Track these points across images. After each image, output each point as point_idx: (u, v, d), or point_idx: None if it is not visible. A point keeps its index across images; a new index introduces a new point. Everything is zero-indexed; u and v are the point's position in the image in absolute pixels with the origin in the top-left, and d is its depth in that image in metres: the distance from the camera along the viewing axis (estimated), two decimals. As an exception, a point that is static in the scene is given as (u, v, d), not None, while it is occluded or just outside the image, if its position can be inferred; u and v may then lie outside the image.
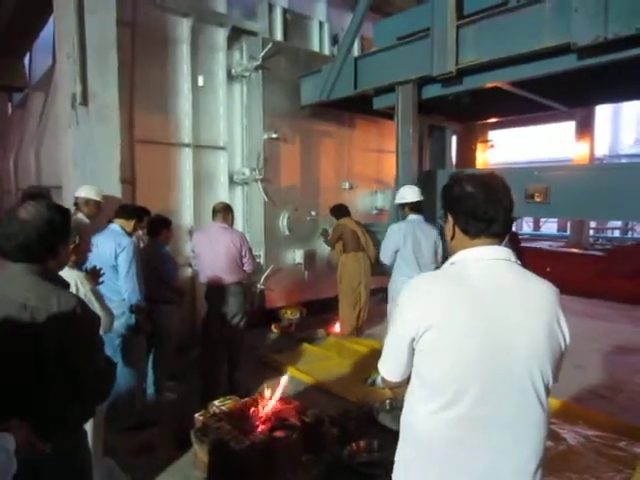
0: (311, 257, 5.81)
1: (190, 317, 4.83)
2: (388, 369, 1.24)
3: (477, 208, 1.16)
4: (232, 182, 5.36)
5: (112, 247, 3.03)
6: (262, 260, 5.37)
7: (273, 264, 5.45)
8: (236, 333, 3.73)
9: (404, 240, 3.72)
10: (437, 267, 3.78)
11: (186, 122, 4.92)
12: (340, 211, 5.20)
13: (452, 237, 1.23)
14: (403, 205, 3.87)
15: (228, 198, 5.19)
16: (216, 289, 3.64)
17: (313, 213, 5.78)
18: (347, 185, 6.22)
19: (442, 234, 3.82)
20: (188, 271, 4.89)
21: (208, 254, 3.68)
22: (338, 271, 5.12)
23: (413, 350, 1.18)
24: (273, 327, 5.47)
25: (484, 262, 1.16)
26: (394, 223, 3.93)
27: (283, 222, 5.55)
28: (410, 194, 3.86)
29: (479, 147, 7.84)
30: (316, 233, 5.80)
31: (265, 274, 5.38)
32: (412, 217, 3.84)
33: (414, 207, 3.84)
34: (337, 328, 5.33)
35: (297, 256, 5.67)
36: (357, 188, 6.28)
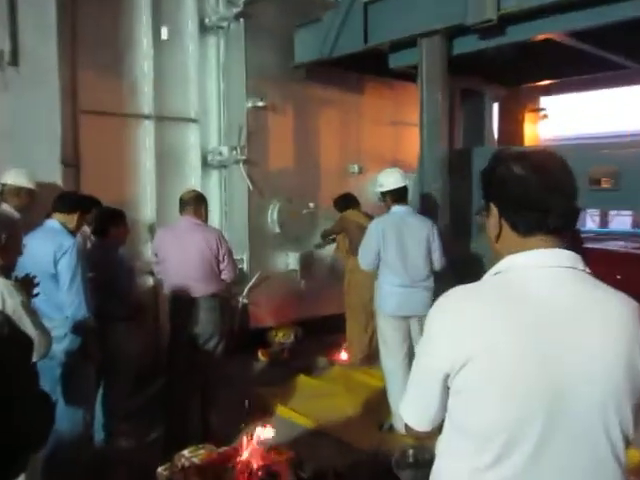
0: (309, 262, 5.88)
1: (152, 340, 4.88)
2: (413, 415, 1.24)
3: (529, 196, 1.13)
4: (206, 165, 5.44)
5: (51, 250, 3.00)
6: (245, 266, 5.45)
7: (260, 271, 5.53)
8: (211, 361, 3.78)
9: (384, 240, 3.78)
10: (433, 272, 3.88)
11: (145, 87, 4.98)
12: (346, 202, 5.29)
13: (497, 236, 1.21)
14: (384, 195, 3.95)
15: (201, 185, 5.23)
16: (185, 304, 3.70)
17: (311, 205, 5.84)
18: (355, 168, 6.30)
19: (440, 232, 3.95)
20: (149, 280, 4.95)
21: (175, 258, 3.74)
22: (345, 280, 5.21)
23: (447, 390, 1.17)
24: (260, 353, 5.53)
25: (541, 271, 1.12)
26: (376, 218, 4.00)
27: (273, 217, 5.60)
28: (390, 179, 3.91)
29: (528, 118, 7.67)
30: (315, 231, 5.84)
31: (249, 284, 5.45)
32: (396, 209, 3.90)
33: (397, 196, 3.90)
34: (344, 355, 5.39)
35: (291, 261, 5.74)
36: (368, 172, 6.30)
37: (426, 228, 3.88)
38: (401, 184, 3.91)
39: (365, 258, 3.92)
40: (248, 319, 5.47)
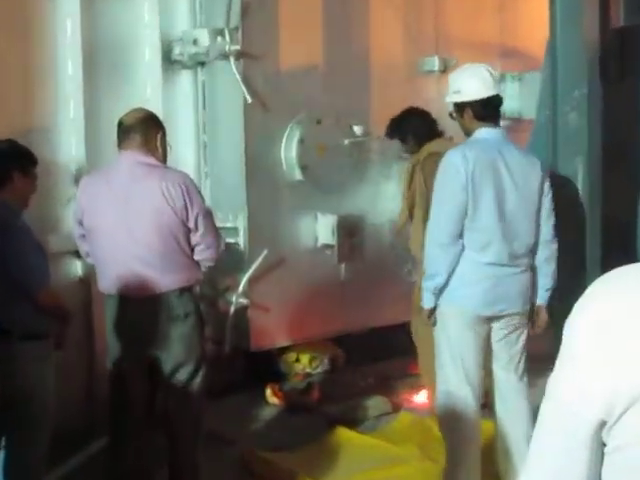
0: (354, 232, 5.84)
1: (83, 370, 4.93)
2: None
3: None
4: (170, 62, 5.50)
5: None
6: (241, 240, 5.51)
7: (267, 249, 5.50)
8: (184, 406, 3.88)
9: (473, 188, 3.87)
10: (540, 251, 4.06)
11: None
12: (419, 127, 5.24)
13: None
14: (460, 108, 4.08)
15: (162, 99, 5.28)
16: (135, 307, 3.79)
17: (357, 130, 5.79)
18: (434, 64, 6.25)
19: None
20: (75, 266, 4.97)
21: (112, 227, 3.80)
22: (416, 275, 5.17)
23: (598, 447, 1.20)
24: (269, 392, 5.56)
25: None
26: (453, 150, 4.12)
27: (289, 152, 5.58)
28: (471, 82, 4.05)
29: None
30: (367, 178, 5.92)
31: (249, 273, 5.44)
32: (483, 134, 4.02)
33: (484, 112, 4.02)
34: (419, 395, 5.43)
35: (322, 230, 5.76)
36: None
37: (536, 170, 4.02)
38: (491, 91, 4.00)
39: (443, 227, 3.95)
40: (248, 333, 5.47)
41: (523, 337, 4.05)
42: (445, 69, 6.27)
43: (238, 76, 5.31)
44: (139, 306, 3.77)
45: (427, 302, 4.04)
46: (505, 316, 3.99)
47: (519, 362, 4.06)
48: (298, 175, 5.62)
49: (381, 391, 5.51)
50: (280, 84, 5.56)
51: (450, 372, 3.99)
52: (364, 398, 5.40)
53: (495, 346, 4.05)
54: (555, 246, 4.09)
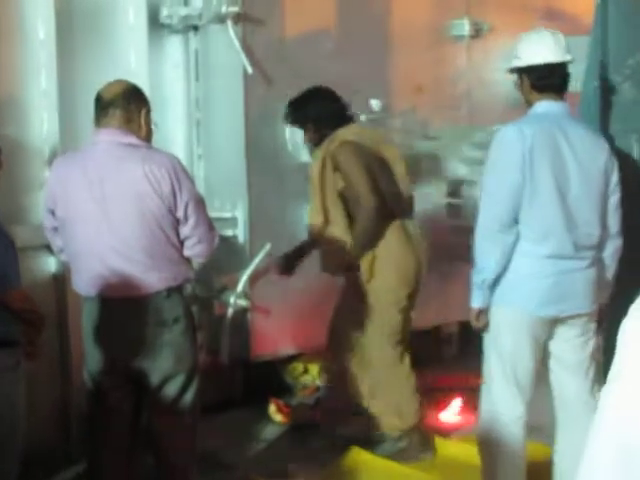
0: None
1: (58, 383, 4.91)
2: None
3: None
4: (158, 26, 5.42)
5: None
6: (241, 232, 5.48)
7: (270, 242, 5.49)
8: (175, 424, 3.91)
9: (531, 169, 3.87)
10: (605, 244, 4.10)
11: None
12: (322, 112, 5.17)
13: None
14: (519, 76, 4.09)
15: (146, 69, 5.25)
16: (117, 311, 3.79)
17: (375, 105, 5.74)
18: (465, 28, 6.26)
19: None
20: (47, 263, 4.92)
21: (90, 219, 3.79)
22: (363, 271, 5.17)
23: None
24: (272, 409, 5.56)
25: None
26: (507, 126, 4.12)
27: (296, 131, 5.50)
28: (532, 48, 4.05)
29: None
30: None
31: (249, 270, 5.43)
32: (544, 107, 4.02)
33: (543, 81, 4.02)
34: (451, 410, 5.63)
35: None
36: (494, 33, 6.41)
37: (603, 151, 4.01)
38: (552, 58, 3.98)
39: (494, 212, 3.92)
40: (248, 340, 5.45)
41: (591, 343, 4.01)
42: (476, 34, 6.33)
43: (237, 43, 5.21)
44: (120, 309, 3.75)
45: (475, 300, 4.01)
46: (569, 318, 3.95)
47: (588, 370, 4.01)
48: (305, 156, 5.45)
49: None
50: (286, 52, 5.49)
51: (499, 388, 3.96)
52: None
53: (556, 351, 4.01)
54: (620, 241, 4.08)
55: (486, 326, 3.99)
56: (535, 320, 3.90)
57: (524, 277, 3.90)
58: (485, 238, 3.95)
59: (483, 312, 3.98)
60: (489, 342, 4.04)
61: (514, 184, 3.85)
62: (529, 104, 4.04)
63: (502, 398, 3.96)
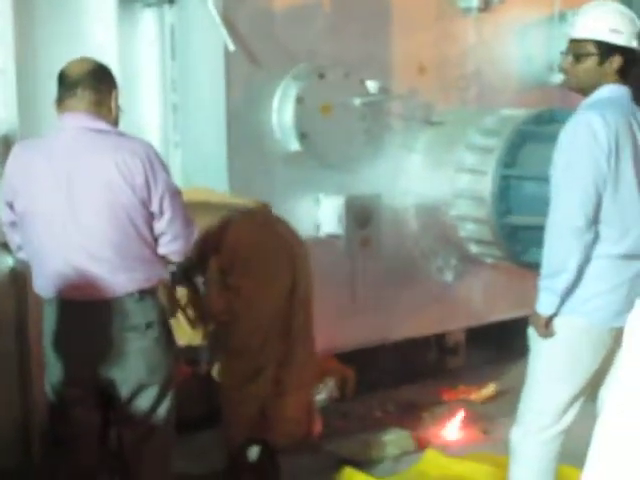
0: (367, 218, 5.91)
1: (16, 395, 4.99)
2: None
3: None
4: None
5: None
6: None
7: None
8: (147, 441, 3.90)
9: (616, 159, 3.88)
10: None
11: None
12: None
13: None
14: (605, 52, 3.96)
15: (116, 45, 5.34)
16: (82, 314, 3.79)
17: (372, 86, 5.84)
18: (473, 0, 6.32)
19: None
20: (4, 261, 5.04)
21: (53, 212, 3.79)
22: None
23: None
24: None
25: None
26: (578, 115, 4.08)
27: (284, 114, 5.60)
28: (630, 27, 3.99)
29: None
30: (383, 149, 6.10)
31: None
32: (611, 90, 4.00)
33: (631, 64, 4.02)
34: (453, 430, 5.65)
35: (325, 215, 5.83)
36: (506, 5, 6.55)
37: None
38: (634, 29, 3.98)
39: (577, 207, 3.85)
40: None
41: None
42: (486, 6, 6.36)
43: (217, 17, 5.22)
44: (86, 313, 3.71)
45: (548, 306, 3.94)
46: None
47: None
48: (295, 145, 5.58)
49: (403, 423, 5.57)
50: (272, 27, 5.52)
51: (551, 406, 3.98)
52: (381, 432, 5.41)
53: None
54: None
55: (552, 334, 3.92)
56: (609, 330, 3.88)
57: (601, 284, 3.88)
58: (564, 237, 3.86)
59: (550, 320, 3.93)
60: (549, 352, 3.97)
61: (601, 176, 3.80)
62: (586, 88, 3.98)
63: (549, 419, 3.96)
